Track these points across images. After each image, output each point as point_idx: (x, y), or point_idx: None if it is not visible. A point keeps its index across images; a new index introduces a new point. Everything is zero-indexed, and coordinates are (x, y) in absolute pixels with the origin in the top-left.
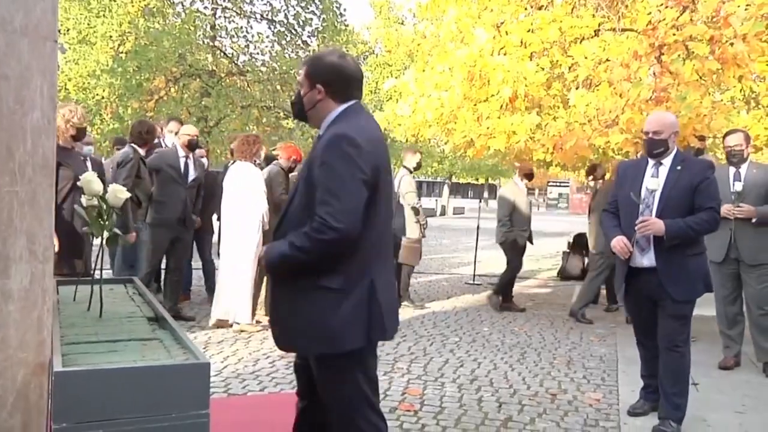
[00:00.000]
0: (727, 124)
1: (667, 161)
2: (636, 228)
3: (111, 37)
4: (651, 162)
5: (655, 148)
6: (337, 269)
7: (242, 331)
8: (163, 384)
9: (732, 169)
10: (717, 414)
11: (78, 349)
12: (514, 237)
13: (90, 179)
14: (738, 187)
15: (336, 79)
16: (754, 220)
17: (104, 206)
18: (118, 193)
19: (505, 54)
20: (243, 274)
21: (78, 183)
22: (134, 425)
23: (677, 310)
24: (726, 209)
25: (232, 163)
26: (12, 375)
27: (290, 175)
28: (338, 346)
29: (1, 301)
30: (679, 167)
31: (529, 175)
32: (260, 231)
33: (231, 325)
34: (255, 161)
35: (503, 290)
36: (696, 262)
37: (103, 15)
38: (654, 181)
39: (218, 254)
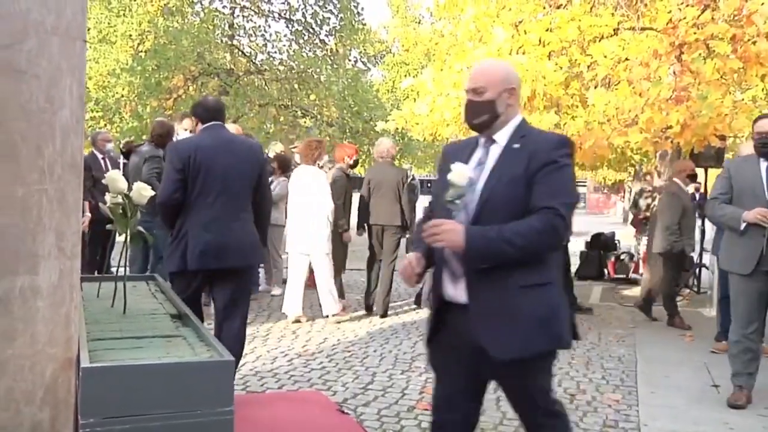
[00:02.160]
0: (748, 123)
1: (502, 137)
2: (423, 235)
3: (131, 36)
4: (482, 140)
5: (476, 115)
6: (176, 222)
7: (338, 321)
8: (189, 381)
9: (764, 163)
10: (739, 417)
11: (103, 345)
12: (682, 246)
13: (115, 177)
14: None
15: (199, 111)
16: None
17: (128, 204)
18: (143, 190)
19: (523, 53)
20: (321, 269)
21: (103, 181)
22: (160, 421)
23: (518, 373)
24: (759, 213)
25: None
26: (41, 370)
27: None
28: (166, 268)
29: (31, 298)
30: (517, 145)
31: (693, 176)
32: (329, 228)
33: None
34: (318, 164)
35: (671, 308)
36: (535, 300)
37: (123, 14)
38: (458, 171)
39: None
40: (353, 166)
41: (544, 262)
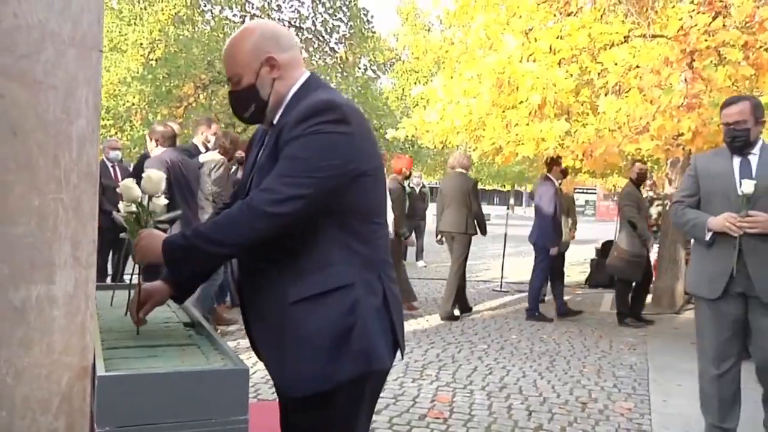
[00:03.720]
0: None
1: (278, 117)
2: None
3: (141, 44)
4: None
5: (242, 107)
6: None
7: None
8: (204, 389)
9: (736, 160)
10: (753, 426)
11: (118, 354)
12: None
13: (129, 185)
14: (748, 187)
15: (160, 140)
16: None
17: (143, 212)
18: (156, 199)
19: (534, 60)
20: None
21: (117, 190)
22: (174, 430)
23: (297, 419)
24: (727, 220)
25: None
26: (57, 379)
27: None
28: None
29: (47, 307)
30: (281, 123)
31: None
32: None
33: None
34: None
35: None
36: (320, 315)
37: (134, 23)
38: None
39: None
40: (408, 177)
41: (324, 264)
